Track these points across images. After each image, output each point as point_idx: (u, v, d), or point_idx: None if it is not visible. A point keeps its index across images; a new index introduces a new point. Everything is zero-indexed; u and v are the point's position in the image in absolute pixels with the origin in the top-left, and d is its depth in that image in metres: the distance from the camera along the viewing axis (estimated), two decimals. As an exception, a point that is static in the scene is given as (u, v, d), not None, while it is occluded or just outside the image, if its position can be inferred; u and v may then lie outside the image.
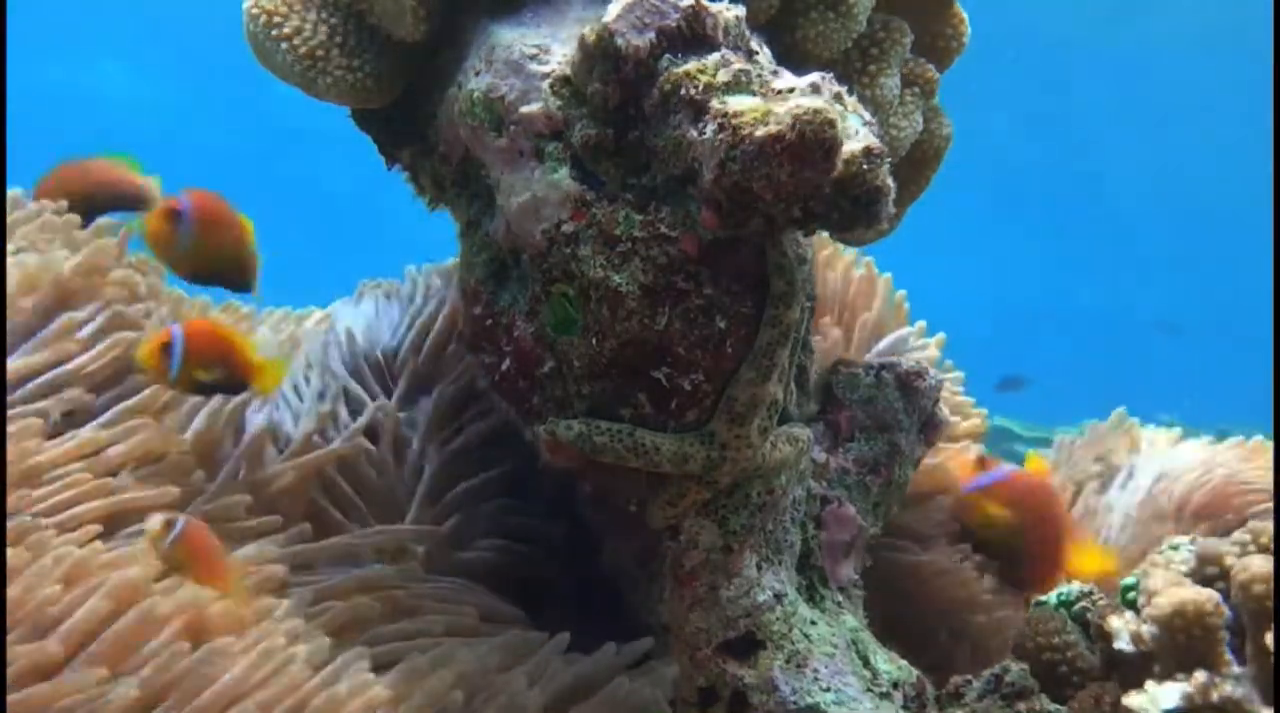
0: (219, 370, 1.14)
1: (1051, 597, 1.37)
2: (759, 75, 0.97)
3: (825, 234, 1.24)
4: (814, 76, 0.96)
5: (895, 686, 1.14)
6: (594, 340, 1.04)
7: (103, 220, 1.36)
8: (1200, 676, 1.11)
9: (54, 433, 1.13)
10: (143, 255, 1.35)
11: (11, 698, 0.87)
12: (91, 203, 1.35)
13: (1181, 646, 1.12)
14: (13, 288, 1.19)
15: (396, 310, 1.52)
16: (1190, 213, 13.11)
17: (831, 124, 0.90)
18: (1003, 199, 12.74)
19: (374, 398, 1.39)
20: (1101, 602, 1.30)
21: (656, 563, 1.16)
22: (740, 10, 1.02)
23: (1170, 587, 1.14)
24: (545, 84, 1.06)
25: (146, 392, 1.20)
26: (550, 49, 1.08)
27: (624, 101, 1.01)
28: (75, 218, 1.33)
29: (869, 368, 1.26)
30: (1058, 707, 1.17)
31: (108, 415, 1.17)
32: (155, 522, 1.00)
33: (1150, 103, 11.15)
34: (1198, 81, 10.39)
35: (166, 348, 1.11)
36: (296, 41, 1.17)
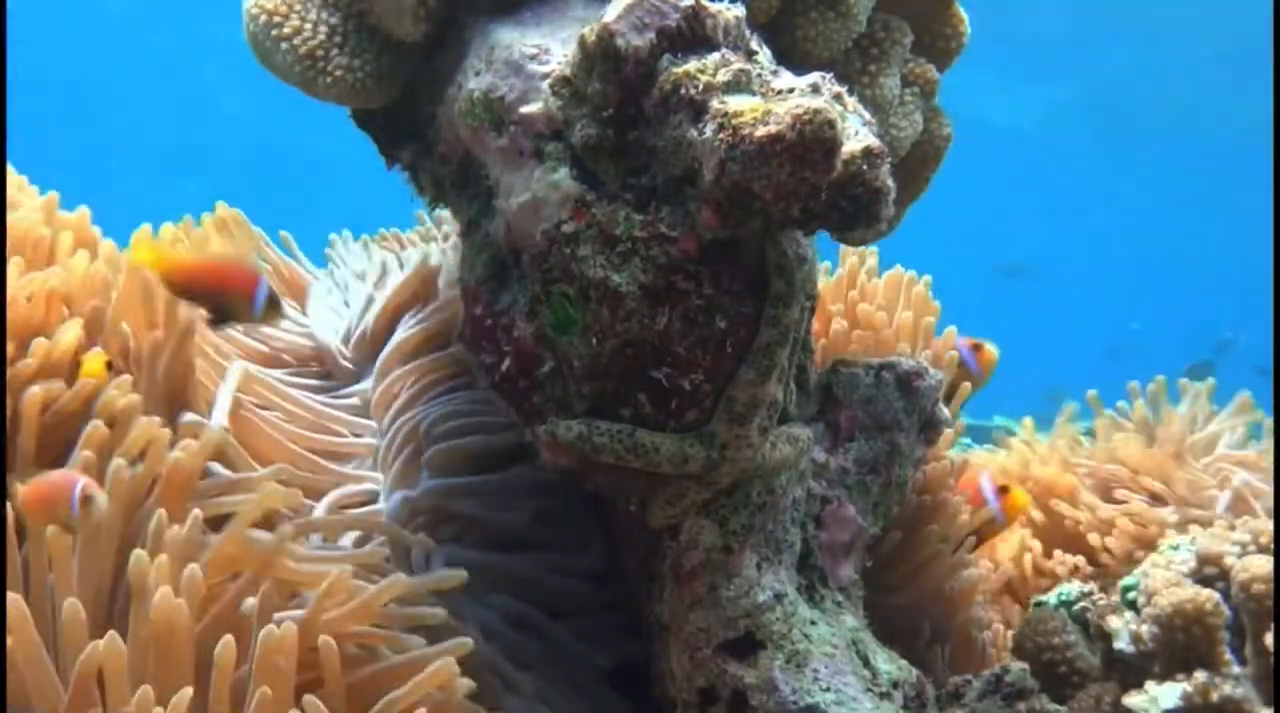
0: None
1: (1051, 597, 1.38)
2: (759, 75, 0.97)
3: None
4: (814, 76, 0.96)
5: (895, 686, 1.14)
6: (594, 341, 1.03)
7: None
8: (1200, 676, 1.11)
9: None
10: None
11: None
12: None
13: (1181, 645, 1.12)
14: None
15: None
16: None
17: (831, 124, 0.90)
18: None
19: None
20: (1101, 602, 1.30)
21: (656, 563, 1.16)
22: (740, 10, 1.02)
23: (1170, 587, 1.14)
24: (545, 84, 1.06)
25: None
26: (550, 49, 1.08)
27: (624, 101, 1.01)
28: None
29: (869, 368, 1.26)
30: (1058, 707, 1.17)
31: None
32: None
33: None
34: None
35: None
36: (296, 41, 1.17)
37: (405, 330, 1.40)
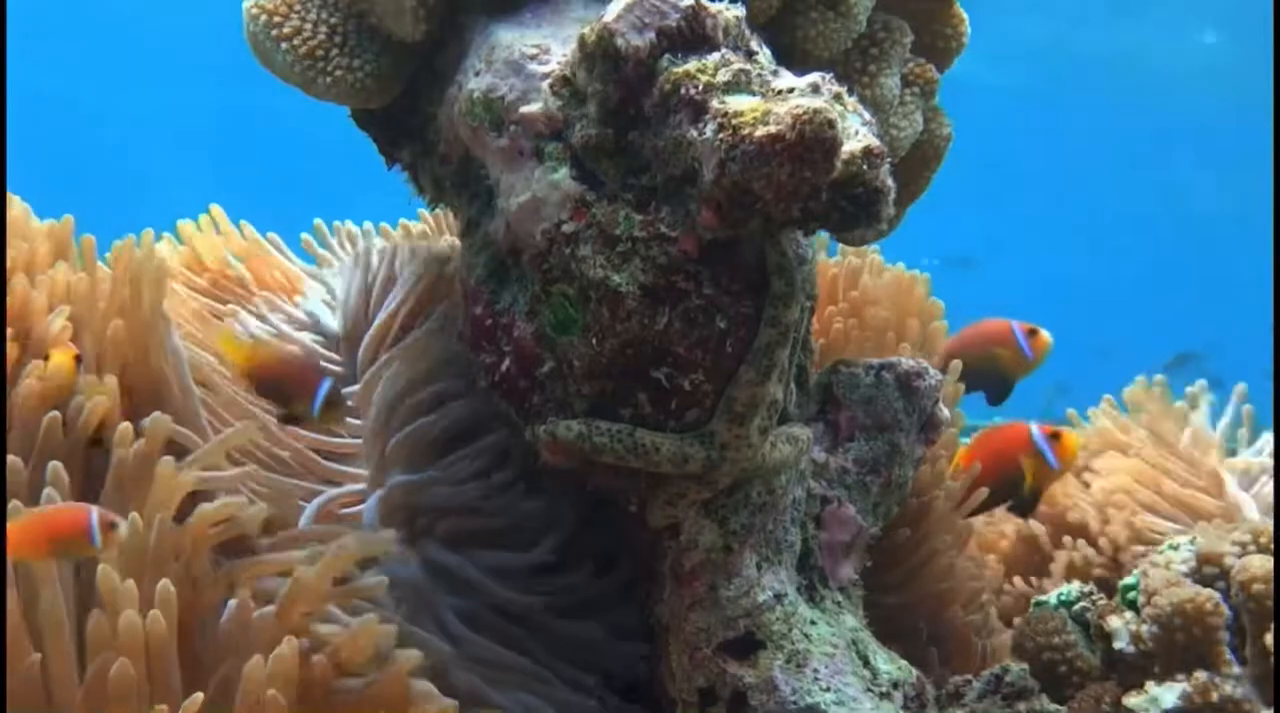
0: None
1: (1051, 597, 1.37)
2: (759, 75, 0.97)
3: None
4: (814, 76, 0.96)
5: (895, 686, 1.14)
6: (594, 341, 1.04)
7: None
8: (1200, 676, 1.11)
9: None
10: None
11: None
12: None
13: (1181, 645, 1.12)
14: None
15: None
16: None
17: (831, 124, 0.90)
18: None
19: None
20: (1101, 602, 1.30)
21: (656, 563, 1.16)
22: (740, 10, 1.02)
23: (1170, 587, 1.14)
24: (545, 84, 1.06)
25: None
26: (550, 49, 1.08)
27: (624, 101, 1.01)
28: None
29: (869, 368, 1.26)
30: (1058, 707, 1.17)
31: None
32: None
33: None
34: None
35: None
36: (296, 42, 1.17)
37: (380, 318, 1.39)
